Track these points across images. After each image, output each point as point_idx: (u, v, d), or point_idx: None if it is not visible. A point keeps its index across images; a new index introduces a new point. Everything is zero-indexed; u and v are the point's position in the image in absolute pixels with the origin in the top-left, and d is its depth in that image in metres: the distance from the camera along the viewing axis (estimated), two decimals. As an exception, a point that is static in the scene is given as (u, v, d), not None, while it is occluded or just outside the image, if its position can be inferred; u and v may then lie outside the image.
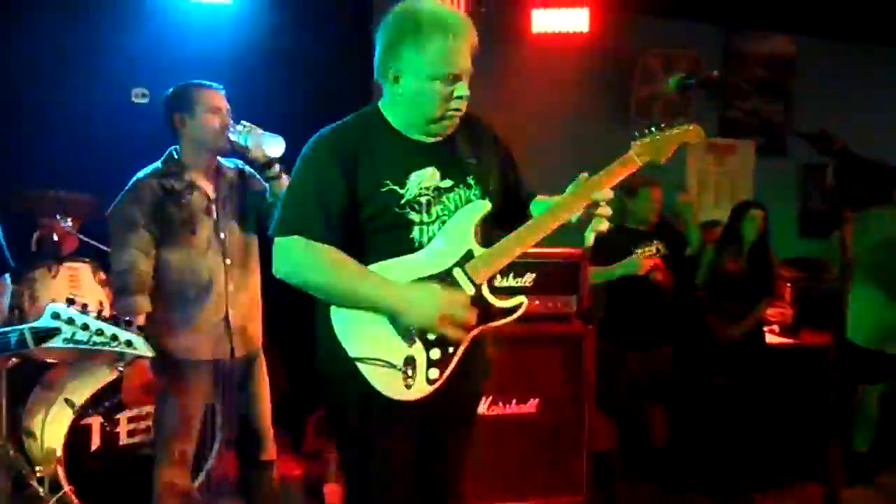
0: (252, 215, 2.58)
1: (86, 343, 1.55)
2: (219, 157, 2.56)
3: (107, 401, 2.98)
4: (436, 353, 1.74)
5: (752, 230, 4.12)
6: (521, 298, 1.79)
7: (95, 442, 2.99)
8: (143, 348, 1.62)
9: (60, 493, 2.88)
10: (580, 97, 4.90)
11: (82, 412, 2.94)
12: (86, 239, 3.32)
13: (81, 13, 3.83)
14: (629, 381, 3.81)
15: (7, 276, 1.68)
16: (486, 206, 1.82)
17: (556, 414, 3.22)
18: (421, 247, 1.76)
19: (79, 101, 3.76)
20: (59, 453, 2.88)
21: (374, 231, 1.76)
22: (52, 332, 1.53)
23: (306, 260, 1.72)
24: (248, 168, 2.61)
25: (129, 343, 1.58)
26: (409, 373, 1.71)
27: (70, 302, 1.59)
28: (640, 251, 3.76)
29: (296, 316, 3.85)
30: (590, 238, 1.81)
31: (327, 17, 4.23)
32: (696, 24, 5.13)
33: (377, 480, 1.80)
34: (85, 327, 1.54)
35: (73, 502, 2.88)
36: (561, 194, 1.86)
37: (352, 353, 1.72)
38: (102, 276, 3.26)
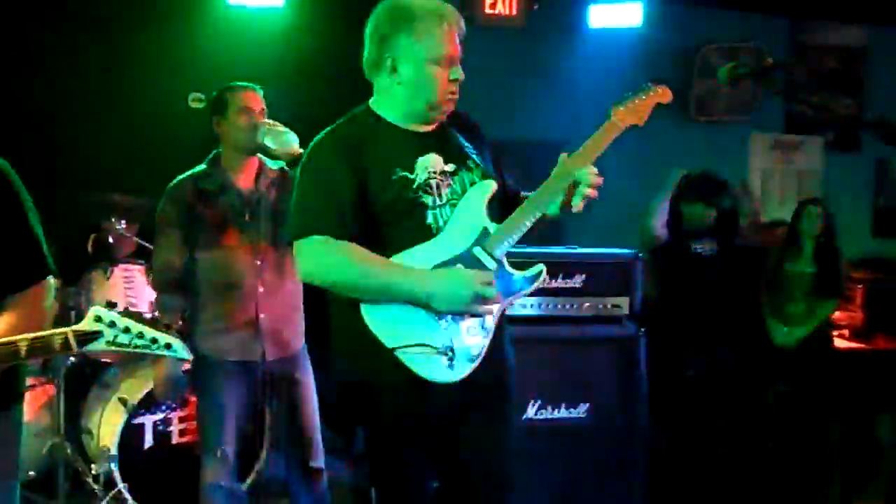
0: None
1: (127, 346, 1.57)
2: (262, 158, 2.56)
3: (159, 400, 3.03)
4: (473, 332, 1.76)
5: (811, 228, 3.95)
6: (540, 266, 1.82)
7: (148, 440, 3.05)
8: (181, 352, 1.62)
9: (115, 491, 2.94)
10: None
11: (136, 411, 3.01)
12: (142, 242, 3.40)
13: (138, 21, 3.93)
14: (687, 387, 3.68)
15: (50, 277, 1.70)
16: (492, 185, 1.86)
17: (609, 420, 3.12)
18: (437, 231, 1.78)
19: (136, 106, 3.88)
20: (113, 451, 2.94)
21: (390, 221, 1.77)
22: (94, 335, 1.55)
23: (331, 259, 1.72)
24: (287, 167, 2.60)
25: (168, 346, 1.58)
26: (450, 354, 1.72)
27: (112, 305, 1.61)
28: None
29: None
30: (578, 203, 1.80)
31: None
32: (760, 15, 4.94)
33: (412, 475, 1.83)
34: (126, 330, 1.56)
35: (128, 499, 2.94)
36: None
37: (390, 345, 1.71)
38: (156, 277, 3.33)
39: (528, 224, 1.80)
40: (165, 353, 1.62)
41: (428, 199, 1.78)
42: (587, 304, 3.03)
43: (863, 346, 4.35)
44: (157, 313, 2.58)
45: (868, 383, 4.01)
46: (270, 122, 2.44)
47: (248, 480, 2.97)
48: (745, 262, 3.97)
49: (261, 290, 2.50)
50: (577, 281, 3.05)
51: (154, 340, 1.59)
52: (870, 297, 4.56)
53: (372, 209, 1.75)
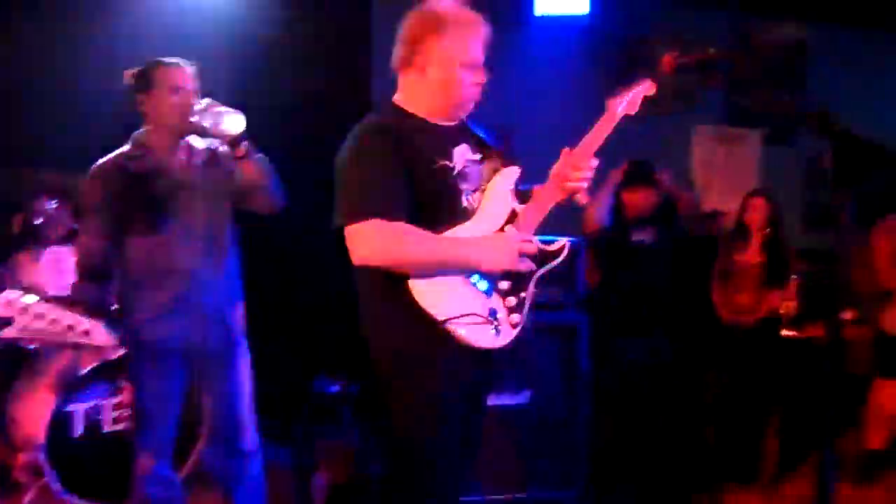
0: (226, 197, 2.51)
1: (41, 333, 1.50)
2: (189, 138, 2.48)
3: (90, 387, 2.93)
4: (512, 301, 1.92)
5: (758, 219, 4.05)
6: (563, 240, 2.00)
7: (79, 429, 2.95)
8: (100, 338, 1.56)
9: (42, 480, 2.84)
10: (585, 82, 4.80)
11: (65, 399, 2.90)
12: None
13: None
14: (627, 372, 3.73)
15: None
16: (517, 170, 2.03)
17: (551, 406, 3.16)
18: (471, 214, 1.95)
19: (71, 82, 3.71)
20: (40, 440, 2.83)
21: (432, 206, 1.90)
22: (4, 321, 1.48)
23: (391, 240, 1.82)
24: (222, 148, 2.53)
25: (86, 332, 1.52)
26: (496, 321, 1.88)
27: (26, 290, 1.53)
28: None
29: (285, 302, 3.88)
30: (579, 197, 2.01)
31: (328, 5, 4.15)
32: (705, 9, 5.01)
33: (451, 439, 1.94)
34: (39, 317, 1.49)
35: (56, 489, 2.84)
36: None
37: (441, 317, 1.83)
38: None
39: (547, 209, 1.98)
40: (82, 340, 1.56)
41: (463, 186, 1.95)
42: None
43: (797, 334, 4.48)
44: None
45: (804, 370, 4.14)
46: (207, 100, 2.36)
47: (185, 469, 2.90)
48: (688, 251, 4.03)
49: (203, 273, 2.43)
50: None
51: (70, 328, 1.53)
52: (803, 287, 4.70)
53: (416, 196, 1.87)
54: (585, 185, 1.99)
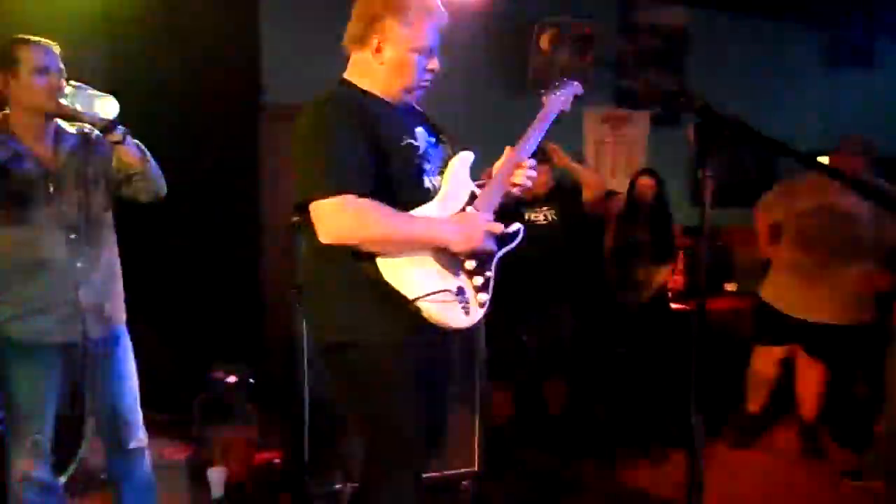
0: (101, 185, 2.38)
1: None
2: (59, 122, 2.33)
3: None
4: (478, 280, 1.95)
5: (645, 197, 4.20)
6: (518, 224, 2.06)
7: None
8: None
9: None
10: (478, 63, 4.83)
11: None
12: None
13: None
14: (526, 349, 3.80)
15: None
16: (471, 155, 2.07)
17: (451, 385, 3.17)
18: (433, 194, 1.96)
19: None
20: None
21: (397, 184, 1.90)
22: None
23: (361, 216, 1.80)
24: (95, 133, 2.39)
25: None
26: (464, 300, 1.90)
27: None
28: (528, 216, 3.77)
29: (174, 291, 3.74)
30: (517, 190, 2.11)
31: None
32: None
33: (415, 419, 1.96)
34: None
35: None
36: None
37: (411, 296, 1.82)
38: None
39: (501, 195, 2.05)
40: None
41: (426, 166, 1.98)
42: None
43: (684, 307, 4.70)
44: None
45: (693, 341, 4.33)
46: (76, 83, 2.23)
47: (67, 472, 2.75)
48: (583, 229, 4.12)
49: (78, 265, 2.29)
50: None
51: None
52: (690, 261, 4.92)
53: (382, 173, 1.87)
54: (529, 183, 2.09)
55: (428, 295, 1.83)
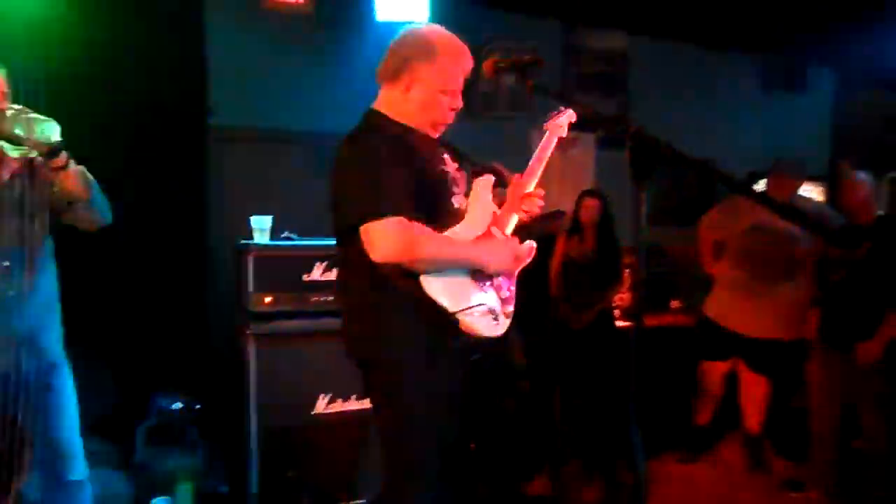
0: (41, 211, 2.32)
1: None
2: (1, 145, 2.27)
3: None
4: (505, 294, 2.15)
5: (591, 217, 4.27)
6: (533, 243, 2.23)
7: None
8: None
9: None
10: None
11: None
12: None
13: None
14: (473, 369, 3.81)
15: None
16: (492, 179, 2.27)
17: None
18: (462, 215, 2.15)
19: None
20: None
21: (431, 206, 2.05)
22: None
23: (412, 237, 1.95)
24: (38, 158, 2.33)
25: None
26: (495, 312, 2.08)
27: None
28: None
29: (120, 319, 3.65)
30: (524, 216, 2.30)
31: (159, 5, 3.92)
32: (538, 18, 5.24)
33: (442, 420, 2.11)
34: None
35: None
36: None
37: (453, 309, 1.98)
38: None
39: (516, 217, 2.25)
40: None
41: (455, 190, 2.17)
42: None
43: (632, 324, 4.77)
44: None
45: (639, 359, 4.41)
46: (17, 106, 2.17)
47: (4, 506, 2.65)
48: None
49: (11, 293, 2.22)
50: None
51: None
52: (635, 280, 5.01)
53: (421, 197, 2.02)
54: (537, 210, 2.26)
55: (467, 308, 2.00)
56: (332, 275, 3.22)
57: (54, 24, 3.56)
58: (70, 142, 2.23)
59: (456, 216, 2.14)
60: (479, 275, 2.07)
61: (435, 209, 2.07)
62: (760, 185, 4.66)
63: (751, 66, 6.19)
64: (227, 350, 3.44)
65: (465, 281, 2.04)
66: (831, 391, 3.71)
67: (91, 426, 2.54)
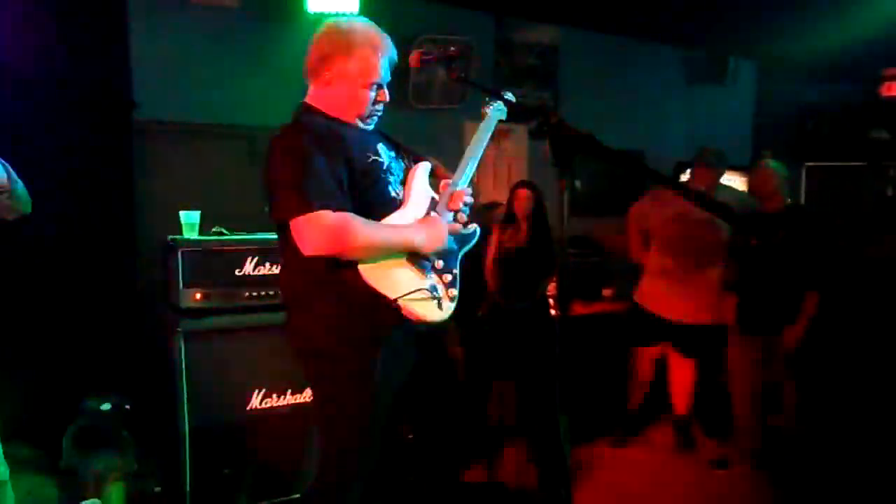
0: None
1: None
2: None
3: None
4: (447, 277, 2.14)
5: (524, 208, 4.33)
6: (475, 225, 2.27)
7: None
8: None
9: None
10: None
11: None
12: None
13: None
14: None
15: None
16: (429, 165, 2.30)
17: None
18: (398, 202, 2.16)
19: None
20: None
21: (366, 196, 2.07)
22: None
23: (341, 228, 1.94)
24: None
25: None
26: (438, 297, 2.07)
27: None
28: None
29: (45, 319, 3.55)
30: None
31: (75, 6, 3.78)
32: (470, 12, 5.27)
33: (380, 410, 2.10)
34: None
35: None
36: None
37: (392, 296, 1.98)
38: None
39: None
40: None
41: (390, 178, 2.17)
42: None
43: (557, 313, 4.87)
44: None
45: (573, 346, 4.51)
46: None
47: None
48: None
49: None
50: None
51: None
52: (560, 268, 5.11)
53: (353, 188, 2.04)
54: (466, 209, 2.26)
55: (408, 294, 2.00)
56: (265, 269, 3.20)
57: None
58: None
59: (393, 204, 2.15)
60: (419, 259, 2.08)
61: (369, 198, 2.08)
62: (686, 176, 4.83)
63: (676, 59, 6.37)
64: (158, 348, 3.37)
65: (403, 267, 2.05)
66: (752, 374, 3.88)
67: (17, 431, 2.47)
